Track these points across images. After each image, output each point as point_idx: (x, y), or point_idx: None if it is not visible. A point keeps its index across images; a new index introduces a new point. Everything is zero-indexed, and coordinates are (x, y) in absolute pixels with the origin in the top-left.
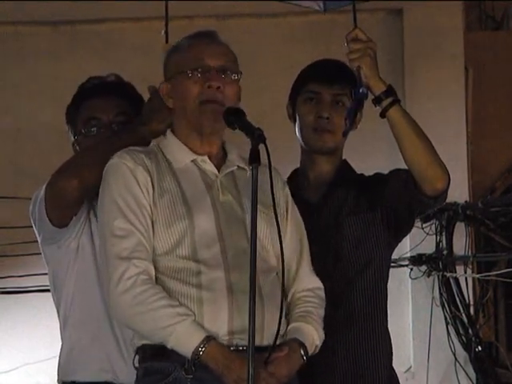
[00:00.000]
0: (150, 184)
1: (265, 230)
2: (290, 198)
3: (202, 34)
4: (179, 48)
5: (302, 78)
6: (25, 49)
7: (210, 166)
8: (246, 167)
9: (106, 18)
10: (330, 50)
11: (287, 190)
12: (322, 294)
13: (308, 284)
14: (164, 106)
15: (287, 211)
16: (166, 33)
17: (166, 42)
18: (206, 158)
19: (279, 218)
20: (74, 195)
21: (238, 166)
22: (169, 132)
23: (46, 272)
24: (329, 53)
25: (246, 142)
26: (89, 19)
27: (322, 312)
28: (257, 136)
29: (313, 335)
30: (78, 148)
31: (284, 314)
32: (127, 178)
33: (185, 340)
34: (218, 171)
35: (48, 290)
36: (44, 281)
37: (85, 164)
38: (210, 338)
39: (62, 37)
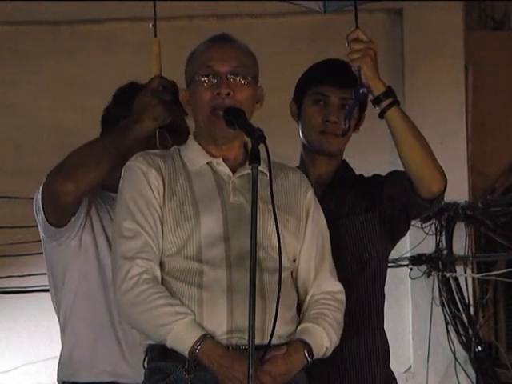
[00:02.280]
0: (161, 186)
1: (274, 231)
2: (313, 203)
3: (214, 39)
4: (194, 54)
5: (311, 78)
6: (25, 49)
7: (224, 168)
8: (265, 170)
9: (106, 18)
10: (330, 50)
11: (310, 195)
12: (342, 297)
13: (327, 287)
14: (158, 102)
15: (307, 216)
16: (155, 27)
17: (155, 36)
18: (220, 160)
19: (280, 220)
20: (69, 198)
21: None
22: (190, 136)
23: (46, 272)
24: (329, 53)
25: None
26: (89, 19)
27: (338, 315)
28: (257, 136)
29: (322, 337)
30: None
31: (292, 314)
32: (139, 180)
33: (182, 338)
34: (235, 173)
35: (48, 290)
36: (44, 281)
37: (79, 166)
38: (206, 337)
39: (62, 37)
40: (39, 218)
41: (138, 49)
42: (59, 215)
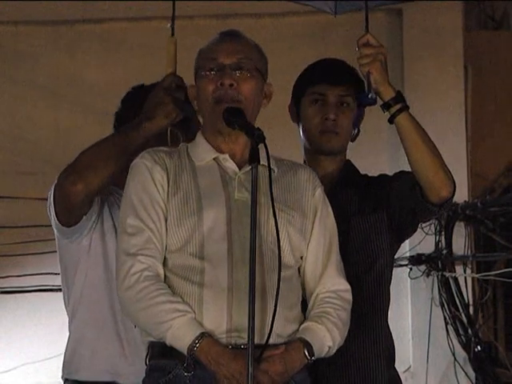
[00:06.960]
0: (165, 182)
1: (281, 229)
2: (321, 201)
3: (222, 34)
4: (202, 50)
5: (306, 79)
6: (25, 49)
7: (230, 164)
8: (272, 165)
9: (106, 17)
10: (329, 50)
11: (319, 192)
12: (349, 296)
13: (332, 286)
14: (169, 100)
15: (315, 214)
16: (172, 27)
17: (172, 34)
18: (227, 156)
19: (286, 217)
20: (80, 199)
21: (261, 164)
22: (199, 133)
23: (46, 272)
24: (328, 53)
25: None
26: (89, 19)
27: (343, 314)
28: (256, 136)
29: (324, 336)
30: None
31: (295, 313)
32: (144, 176)
33: (180, 336)
34: (241, 169)
35: (47, 290)
36: (43, 281)
37: (90, 166)
38: (204, 335)
39: (62, 37)
40: (51, 217)
41: (138, 48)
42: (69, 215)
